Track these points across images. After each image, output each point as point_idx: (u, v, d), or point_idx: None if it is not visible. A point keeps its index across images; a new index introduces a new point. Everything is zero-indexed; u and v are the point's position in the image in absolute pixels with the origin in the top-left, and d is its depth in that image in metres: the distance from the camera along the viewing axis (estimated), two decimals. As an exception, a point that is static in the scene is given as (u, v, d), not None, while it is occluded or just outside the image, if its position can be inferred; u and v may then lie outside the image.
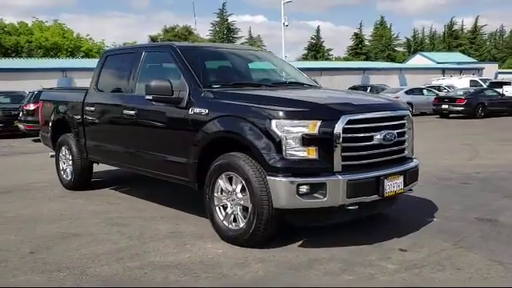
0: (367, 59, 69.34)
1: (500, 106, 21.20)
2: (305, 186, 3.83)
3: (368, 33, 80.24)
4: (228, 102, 4.36)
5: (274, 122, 3.90)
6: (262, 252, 4.06)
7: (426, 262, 3.80)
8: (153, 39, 66.49)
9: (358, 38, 78.71)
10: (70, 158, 6.79)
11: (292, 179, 3.83)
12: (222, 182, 4.33)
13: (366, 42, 79.58)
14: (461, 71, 38.91)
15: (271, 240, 4.19)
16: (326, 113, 3.97)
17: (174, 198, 6.18)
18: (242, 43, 71.39)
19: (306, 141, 3.85)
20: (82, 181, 6.78)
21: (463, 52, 71.40)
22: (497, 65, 53.52)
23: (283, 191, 3.85)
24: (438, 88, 27.27)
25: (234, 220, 4.28)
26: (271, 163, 3.88)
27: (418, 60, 56.30)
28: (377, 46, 77.62)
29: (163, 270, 3.72)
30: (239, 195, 4.19)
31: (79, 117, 6.40)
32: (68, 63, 33.62)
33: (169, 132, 4.92)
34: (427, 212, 5.28)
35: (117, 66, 6.13)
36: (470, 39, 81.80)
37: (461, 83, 29.54)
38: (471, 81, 30.39)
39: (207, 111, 4.43)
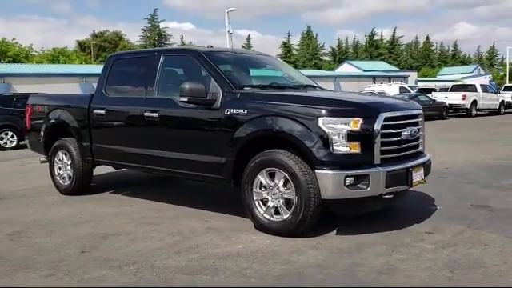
0: (295, 68, 71.52)
1: (433, 111, 22.90)
2: (351, 178, 4.23)
3: (295, 42, 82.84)
4: (268, 102, 4.66)
5: (320, 119, 4.27)
6: (307, 240, 4.39)
7: (456, 241, 4.33)
8: (81, 44, 64.49)
9: (287, 47, 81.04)
10: (69, 162, 6.73)
11: (339, 172, 4.22)
12: (262, 178, 4.62)
13: (294, 51, 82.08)
14: (389, 78, 41.36)
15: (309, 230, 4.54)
16: (367, 111, 4.41)
17: (182, 195, 6.36)
18: (174, 50, 70.75)
19: (350, 136, 4.25)
20: (83, 185, 6.73)
21: (384, 61, 75.72)
22: (416, 73, 57.36)
23: (331, 183, 4.22)
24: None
25: (276, 213, 4.58)
26: (319, 157, 4.24)
27: (345, 68, 58.94)
28: (304, 55, 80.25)
29: (229, 259, 3.95)
30: (281, 189, 4.50)
31: (83, 121, 6.39)
32: (6, 68, 31.70)
33: (201, 132, 5.13)
34: (427, 201, 5.87)
35: (128, 70, 6.22)
36: (389, 49, 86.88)
37: (391, 90, 31.37)
38: (400, 87, 32.40)
39: (246, 111, 4.70)
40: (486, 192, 6.45)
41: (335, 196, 4.28)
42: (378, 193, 4.35)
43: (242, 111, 4.74)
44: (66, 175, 6.82)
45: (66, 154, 6.78)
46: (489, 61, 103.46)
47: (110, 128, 6.15)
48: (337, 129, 4.25)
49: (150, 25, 70.66)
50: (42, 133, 7.09)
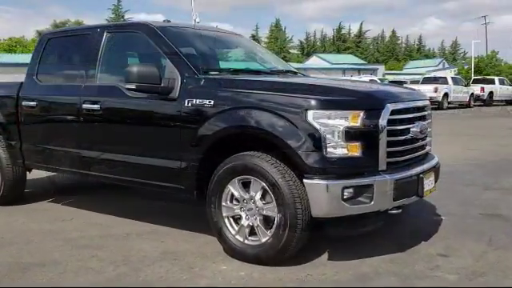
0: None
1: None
2: (350, 189, 3.22)
3: (264, 35, 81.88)
4: (242, 91, 3.59)
5: (310, 113, 3.24)
6: (292, 271, 3.37)
7: (483, 269, 3.38)
8: (40, 34, 61.36)
9: (255, 39, 79.86)
10: (-3, 166, 5.51)
11: (335, 181, 3.20)
12: (233, 189, 3.57)
13: (263, 44, 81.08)
14: (359, 71, 40.87)
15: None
16: (370, 102, 3.39)
17: (137, 207, 5.24)
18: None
19: (349, 135, 3.24)
20: (14, 193, 5.51)
21: (352, 54, 75.74)
22: (383, 66, 57.34)
23: (325, 196, 3.20)
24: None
25: (252, 233, 3.54)
26: (309, 163, 3.21)
27: (314, 61, 58.34)
28: (273, 48, 79.31)
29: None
30: (259, 203, 3.46)
31: (11, 115, 5.17)
32: None
33: (152, 129, 4.03)
34: (427, 210, 4.94)
35: (64, 52, 5.05)
36: (356, 43, 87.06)
37: (362, 83, 30.89)
38: (371, 80, 31.89)
39: (212, 102, 3.62)
40: (491, 196, 5.59)
41: (330, 213, 3.26)
42: (384, 207, 3.36)
43: (207, 102, 3.66)
44: (-9, 182, 5.59)
45: (-8, 156, 5.55)
46: (452, 55, 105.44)
47: (42, 123, 4.96)
48: (331, 125, 3.22)
49: (114, 15, 68.16)
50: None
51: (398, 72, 58.95)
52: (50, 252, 3.92)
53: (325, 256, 3.65)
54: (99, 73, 4.46)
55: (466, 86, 28.55)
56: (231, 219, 3.64)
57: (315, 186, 3.21)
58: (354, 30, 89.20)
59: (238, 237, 3.58)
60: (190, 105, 3.74)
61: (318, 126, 3.21)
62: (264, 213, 3.44)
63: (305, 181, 3.24)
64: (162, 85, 3.84)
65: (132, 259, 3.69)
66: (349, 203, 3.23)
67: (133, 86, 3.83)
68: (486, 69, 52.24)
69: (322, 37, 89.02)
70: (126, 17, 68.27)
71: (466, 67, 57.90)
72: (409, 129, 3.61)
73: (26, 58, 34.40)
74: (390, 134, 3.39)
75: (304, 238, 3.38)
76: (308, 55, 75.18)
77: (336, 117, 3.23)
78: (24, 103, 4.98)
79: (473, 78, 35.25)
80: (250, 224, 3.52)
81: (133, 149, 4.16)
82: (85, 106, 4.40)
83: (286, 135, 3.27)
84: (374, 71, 43.34)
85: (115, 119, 4.27)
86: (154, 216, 4.80)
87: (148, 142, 4.06)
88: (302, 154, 3.22)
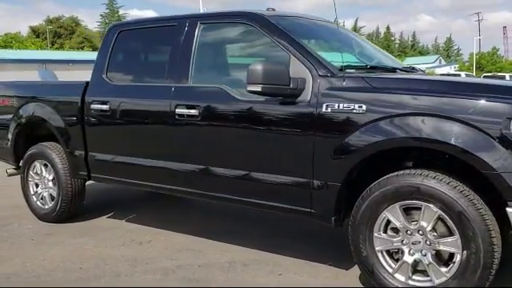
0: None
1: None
2: (562, 220, 2.55)
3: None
4: (407, 93, 2.89)
5: (515, 122, 2.55)
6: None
7: None
8: (34, 30, 60.14)
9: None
10: (50, 176, 4.79)
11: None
12: (391, 216, 2.88)
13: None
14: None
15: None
16: None
17: (219, 225, 4.56)
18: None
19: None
20: (72, 209, 4.78)
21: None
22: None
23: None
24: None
25: (416, 271, 2.86)
26: None
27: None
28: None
29: None
30: (430, 236, 2.78)
31: (74, 120, 4.44)
32: None
33: (273, 139, 3.30)
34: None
35: (142, 46, 4.35)
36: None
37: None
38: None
39: (364, 108, 2.92)
40: None
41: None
42: None
43: (356, 107, 2.95)
44: (46, 195, 4.86)
45: (45, 166, 4.82)
46: (445, 51, 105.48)
47: (117, 131, 4.23)
48: (541, 137, 2.55)
49: (108, 10, 67.08)
50: (9, 135, 5.07)
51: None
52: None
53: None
54: (193, 72, 3.73)
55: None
56: (385, 253, 2.95)
57: (523, 217, 2.53)
58: (348, 26, 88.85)
59: (397, 275, 2.90)
60: (329, 110, 3.04)
61: (527, 140, 2.53)
62: (439, 247, 2.76)
63: (509, 209, 2.56)
64: (291, 86, 3.13)
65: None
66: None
67: (258, 89, 3.10)
68: (487, 65, 52.06)
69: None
70: (120, 12, 67.30)
71: (467, 64, 57.75)
72: None
73: (28, 54, 33.44)
74: None
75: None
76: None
77: (545, 128, 2.55)
78: (93, 106, 4.24)
79: (483, 74, 34.88)
80: (417, 260, 2.84)
81: (244, 162, 3.44)
82: (178, 110, 3.68)
83: (480, 150, 2.59)
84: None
85: (221, 126, 3.54)
86: (247, 238, 4.12)
87: (266, 153, 3.35)
88: (505, 175, 2.54)
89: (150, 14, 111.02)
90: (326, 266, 3.53)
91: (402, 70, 3.89)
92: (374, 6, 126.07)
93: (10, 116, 5.02)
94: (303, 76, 3.17)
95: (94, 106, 4.24)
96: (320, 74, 3.14)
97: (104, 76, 4.29)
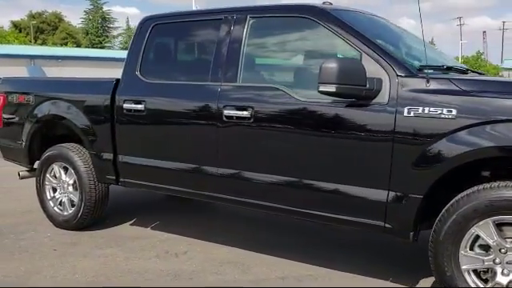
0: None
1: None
2: None
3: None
4: (505, 97, 2.62)
5: None
6: None
7: None
8: (16, 25, 58.73)
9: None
10: (71, 180, 4.42)
11: None
12: (482, 233, 2.61)
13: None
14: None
15: None
16: None
17: (252, 233, 4.24)
18: (120, 34, 67.03)
19: None
20: (95, 216, 4.42)
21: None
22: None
23: None
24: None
25: (505, 293, 2.60)
26: None
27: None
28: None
29: None
30: (528, 255, 2.52)
31: (102, 120, 4.08)
32: None
33: (342, 145, 3.00)
34: None
35: (180, 41, 4.02)
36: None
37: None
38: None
39: (454, 113, 2.65)
40: None
41: None
42: None
43: (444, 112, 2.67)
44: (65, 200, 4.49)
45: (65, 169, 4.45)
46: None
47: (152, 133, 3.89)
48: None
49: (92, 7, 65.94)
50: (23, 135, 4.67)
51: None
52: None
53: None
54: (243, 70, 3.42)
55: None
56: (472, 273, 2.69)
57: None
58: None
59: (487, 297, 2.64)
60: (412, 114, 2.76)
61: None
62: (543, 269, 2.51)
63: None
64: (368, 87, 2.85)
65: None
66: None
67: (331, 89, 2.79)
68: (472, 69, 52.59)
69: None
70: (104, 8, 66.27)
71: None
72: None
73: (11, 48, 32.44)
74: None
75: None
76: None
77: None
78: (126, 106, 3.89)
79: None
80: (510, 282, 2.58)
81: (306, 169, 3.14)
82: (227, 112, 3.36)
83: None
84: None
85: (279, 130, 3.22)
86: (292, 250, 3.82)
87: (333, 161, 3.06)
88: None
89: (133, 11, 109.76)
90: (388, 283, 3.26)
91: (472, 71, 3.63)
92: (358, 7, 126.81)
93: (25, 115, 4.64)
94: (378, 76, 2.88)
95: (127, 106, 3.89)
96: (398, 74, 2.86)
97: (138, 73, 3.94)
